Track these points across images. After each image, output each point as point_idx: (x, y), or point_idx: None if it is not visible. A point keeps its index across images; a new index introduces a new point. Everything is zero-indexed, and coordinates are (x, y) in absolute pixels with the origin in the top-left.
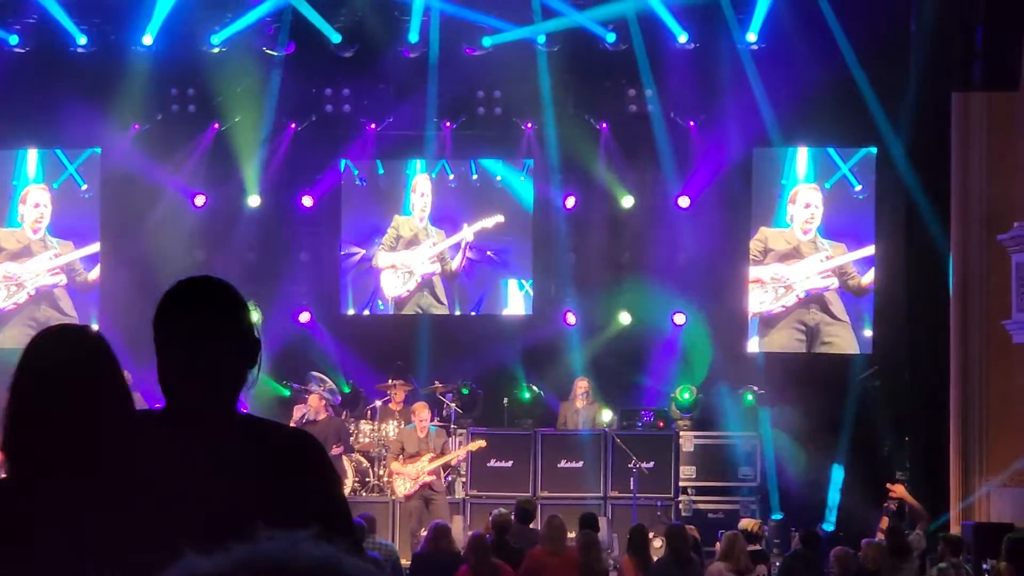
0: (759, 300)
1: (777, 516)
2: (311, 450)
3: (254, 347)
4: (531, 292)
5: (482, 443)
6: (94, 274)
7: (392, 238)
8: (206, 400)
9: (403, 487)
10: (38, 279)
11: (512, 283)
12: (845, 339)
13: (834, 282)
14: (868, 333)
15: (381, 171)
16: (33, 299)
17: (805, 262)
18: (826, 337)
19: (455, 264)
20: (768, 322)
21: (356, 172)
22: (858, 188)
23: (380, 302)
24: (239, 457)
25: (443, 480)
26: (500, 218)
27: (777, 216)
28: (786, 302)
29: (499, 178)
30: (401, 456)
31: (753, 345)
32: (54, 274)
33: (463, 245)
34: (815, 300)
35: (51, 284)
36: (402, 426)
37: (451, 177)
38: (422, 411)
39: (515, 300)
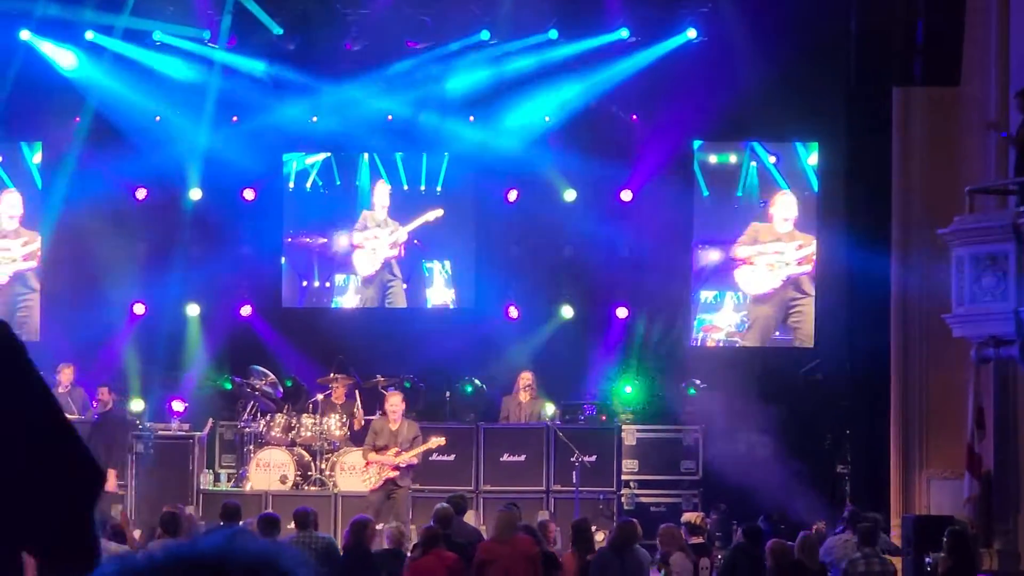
0: (750, 280)
1: (719, 510)
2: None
3: None
4: (449, 272)
5: (442, 440)
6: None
7: (362, 226)
8: None
9: (366, 482)
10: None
11: (436, 265)
12: (808, 309)
13: (808, 267)
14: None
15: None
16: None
17: (785, 249)
18: (794, 308)
19: (401, 253)
20: (759, 299)
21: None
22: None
23: (352, 275)
24: None
25: (409, 476)
26: (440, 212)
27: (762, 215)
28: (774, 285)
29: (436, 183)
30: (374, 448)
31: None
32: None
33: (399, 243)
34: (792, 282)
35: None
36: (344, 419)
37: (406, 188)
38: (393, 398)
39: (439, 279)
